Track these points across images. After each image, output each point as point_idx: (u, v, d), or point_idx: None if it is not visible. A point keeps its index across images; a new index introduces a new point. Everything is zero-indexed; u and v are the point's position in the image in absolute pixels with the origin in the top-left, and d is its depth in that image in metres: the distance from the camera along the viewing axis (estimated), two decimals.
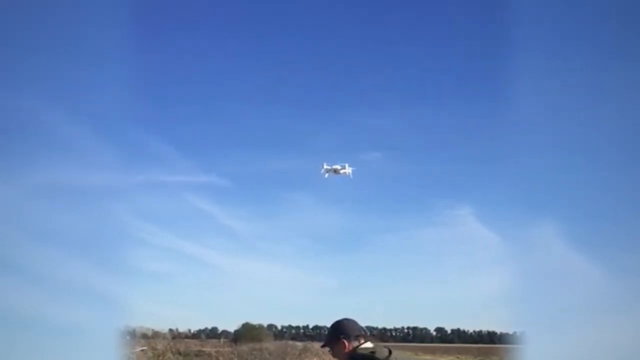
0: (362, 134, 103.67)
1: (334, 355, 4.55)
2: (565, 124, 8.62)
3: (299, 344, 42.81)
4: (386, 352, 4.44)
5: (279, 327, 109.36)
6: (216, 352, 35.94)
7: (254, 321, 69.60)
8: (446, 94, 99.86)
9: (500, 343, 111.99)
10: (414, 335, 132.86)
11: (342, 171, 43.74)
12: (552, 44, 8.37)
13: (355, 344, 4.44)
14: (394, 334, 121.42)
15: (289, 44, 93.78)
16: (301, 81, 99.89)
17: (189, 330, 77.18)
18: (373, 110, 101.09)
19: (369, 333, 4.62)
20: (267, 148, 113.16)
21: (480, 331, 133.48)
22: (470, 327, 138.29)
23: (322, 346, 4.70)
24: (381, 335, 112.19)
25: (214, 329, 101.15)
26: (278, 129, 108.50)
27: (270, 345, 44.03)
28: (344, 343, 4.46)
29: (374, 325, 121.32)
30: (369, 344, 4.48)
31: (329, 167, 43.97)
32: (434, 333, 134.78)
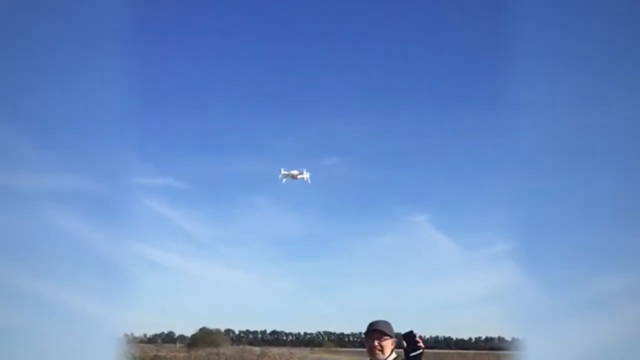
0: (322, 139, 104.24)
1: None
2: (535, 127, 8.81)
3: (257, 349, 42.73)
4: None
5: (237, 332, 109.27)
6: (172, 356, 35.64)
7: (211, 326, 69.25)
8: (405, 100, 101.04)
9: (456, 348, 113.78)
10: None
11: (299, 176, 44.09)
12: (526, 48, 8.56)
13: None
14: (351, 339, 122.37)
15: (250, 45, 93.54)
16: (262, 83, 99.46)
17: (145, 335, 76.35)
18: (333, 115, 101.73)
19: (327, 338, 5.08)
20: (226, 150, 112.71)
21: (437, 337, 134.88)
22: (427, 332, 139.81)
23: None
24: (339, 340, 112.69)
25: (171, 334, 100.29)
26: (237, 131, 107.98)
27: (228, 350, 43.81)
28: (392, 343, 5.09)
29: (332, 330, 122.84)
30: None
31: (286, 173, 44.29)
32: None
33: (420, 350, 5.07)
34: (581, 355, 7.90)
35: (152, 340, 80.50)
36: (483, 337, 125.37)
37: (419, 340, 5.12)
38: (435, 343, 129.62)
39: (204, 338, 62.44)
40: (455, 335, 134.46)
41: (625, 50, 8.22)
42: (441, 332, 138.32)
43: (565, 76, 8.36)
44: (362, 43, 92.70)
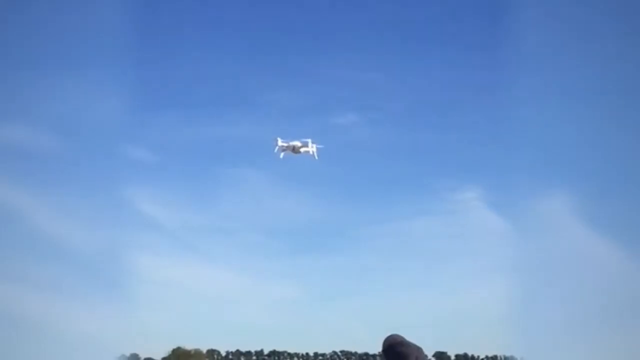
0: (333, 90, 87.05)
1: None
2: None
3: None
4: None
5: (223, 354, 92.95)
6: None
7: (188, 345, 61.93)
8: (444, 40, 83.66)
9: None
10: None
11: (303, 149, 35.22)
12: None
13: None
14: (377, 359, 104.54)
15: None
16: (248, 17, 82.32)
17: None
18: (347, 57, 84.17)
19: None
20: (206, 109, 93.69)
21: (496, 357, 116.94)
22: (480, 351, 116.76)
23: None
24: None
25: (134, 357, 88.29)
26: (221, 81, 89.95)
27: None
28: None
29: (351, 349, 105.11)
30: None
31: (284, 144, 35.02)
32: (433, 359, 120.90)
33: None
34: None
35: None
36: None
37: None
38: None
39: None
40: (507, 354, 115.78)
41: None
42: (500, 349, 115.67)
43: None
44: None
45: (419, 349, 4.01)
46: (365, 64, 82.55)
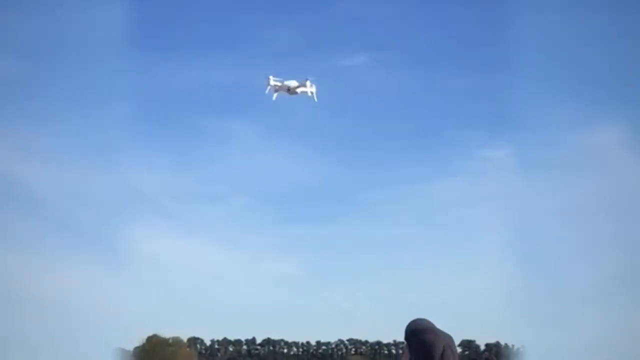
0: (337, 27, 77.41)
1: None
2: None
3: None
4: None
5: (207, 343, 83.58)
6: None
7: (165, 333, 54.25)
8: None
9: None
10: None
11: (299, 89, 31.87)
12: None
13: None
14: (392, 350, 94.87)
15: None
16: None
17: None
18: None
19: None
20: (187, 47, 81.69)
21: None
22: (515, 340, 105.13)
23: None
24: (374, 354, 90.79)
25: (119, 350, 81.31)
26: (204, 17, 77.91)
27: None
28: None
29: (362, 338, 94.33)
30: None
31: (278, 83, 31.36)
32: (460, 349, 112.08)
33: None
34: None
35: None
36: None
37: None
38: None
39: (156, 352, 51.44)
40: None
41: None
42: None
43: None
44: None
45: (449, 338, 3.48)
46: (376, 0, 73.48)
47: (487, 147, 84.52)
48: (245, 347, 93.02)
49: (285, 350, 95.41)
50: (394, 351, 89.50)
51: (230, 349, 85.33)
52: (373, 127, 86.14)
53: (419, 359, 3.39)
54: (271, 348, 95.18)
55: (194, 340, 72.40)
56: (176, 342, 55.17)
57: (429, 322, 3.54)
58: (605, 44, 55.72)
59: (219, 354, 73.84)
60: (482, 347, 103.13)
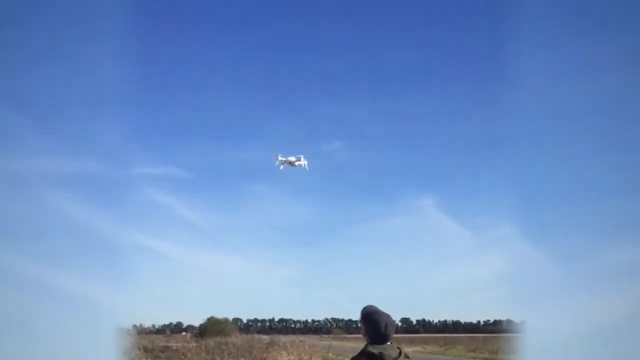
0: (323, 123, 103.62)
1: (361, 332, 4.97)
2: (536, 103, 8.60)
3: (266, 338, 42.41)
4: (395, 353, 4.68)
5: (245, 321, 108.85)
6: (182, 347, 35.54)
7: (219, 315, 68.95)
8: (408, 81, 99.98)
9: (465, 332, 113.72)
10: None
11: (297, 163, 43.06)
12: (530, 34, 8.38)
13: (373, 342, 4.75)
14: (359, 325, 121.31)
15: (245, 28, 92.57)
16: (259, 67, 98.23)
17: (153, 326, 76.11)
18: (335, 97, 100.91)
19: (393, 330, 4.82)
20: (226, 138, 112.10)
21: (445, 321, 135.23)
22: (435, 317, 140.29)
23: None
24: (347, 327, 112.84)
25: (179, 324, 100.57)
26: (237, 118, 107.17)
27: (237, 339, 43.49)
28: (366, 336, 4.83)
29: (340, 317, 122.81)
30: (382, 344, 4.72)
31: (283, 159, 43.33)
32: (399, 324, 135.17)
33: None
34: (589, 332, 7.73)
35: (160, 331, 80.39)
36: (492, 320, 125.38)
37: None
38: (444, 327, 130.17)
39: (213, 328, 62.32)
40: (464, 318, 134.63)
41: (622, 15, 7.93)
42: (450, 316, 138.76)
43: (562, 48, 8.10)
44: (361, 23, 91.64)
45: (388, 316, 4.69)
46: (349, 103, 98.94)
47: (418, 198, 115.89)
48: (268, 323, 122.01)
49: (293, 325, 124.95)
50: (358, 325, 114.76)
51: (259, 324, 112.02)
52: (347, 186, 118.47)
53: (371, 330, 4.65)
54: (284, 324, 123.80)
55: (236, 320, 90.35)
56: (225, 320, 67.77)
57: (375, 307, 4.74)
58: None
59: (252, 328, 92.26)
60: (414, 322, 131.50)
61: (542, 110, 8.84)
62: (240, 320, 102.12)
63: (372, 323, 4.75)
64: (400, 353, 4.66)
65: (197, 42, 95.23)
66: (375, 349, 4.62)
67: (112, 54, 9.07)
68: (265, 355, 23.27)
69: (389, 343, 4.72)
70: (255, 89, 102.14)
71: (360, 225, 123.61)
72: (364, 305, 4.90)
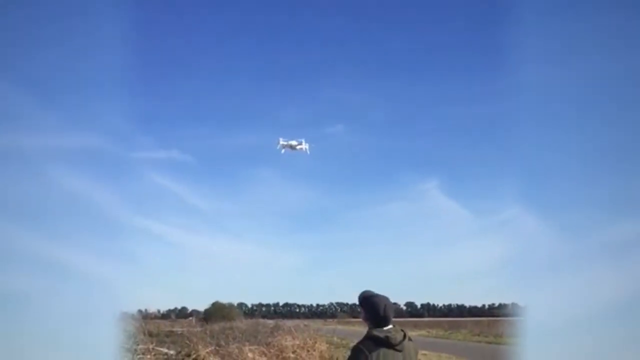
0: (326, 107, 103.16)
1: (362, 318, 4.79)
2: (537, 98, 8.52)
3: (270, 322, 42.73)
4: (400, 337, 4.56)
5: (249, 306, 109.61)
6: (187, 331, 35.67)
7: (224, 300, 70.35)
8: (411, 65, 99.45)
9: (469, 316, 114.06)
10: None
11: (298, 147, 43.46)
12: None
13: (375, 325, 4.61)
14: (359, 308, 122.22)
15: (249, 15, 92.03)
16: (263, 53, 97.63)
17: (158, 311, 76.72)
18: (337, 82, 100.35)
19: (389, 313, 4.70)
20: (229, 122, 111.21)
21: (450, 305, 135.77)
22: (439, 301, 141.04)
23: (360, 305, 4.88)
24: (352, 311, 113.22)
25: (184, 309, 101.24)
26: (240, 102, 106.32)
27: (241, 323, 43.83)
28: (367, 321, 4.69)
29: (344, 301, 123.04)
30: (389, 326, 4.61)
31: (285, 143, 43.68)
32: (404, 308, 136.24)
33: None
34: (596, 313, 7.66)
35: (165, 316, 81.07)
36: (496, 304, 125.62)
37: None
38: (448, 311, 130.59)
39: (218, 312, 63.89)
40: (468, 302, 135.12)
41: None
42: (454, 299, 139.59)
43: (564, 26, 7.97)
44: (362, 9, 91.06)
45: (386, 298, 4.63)
46: (351, 88, 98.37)
47: (421, 182, 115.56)
48: (272, 308, 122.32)
49: (297, 310, 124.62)
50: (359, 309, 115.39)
51: (263, 309, 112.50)
52: (348, 171, 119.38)
53: (370, 313, 4.57)
54: (288, 309, 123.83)
55: (240, 304, 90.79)
56: (230, 305, 69.24)
57: (371, 291, 4.70)
58: None
59: (256, 313, 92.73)
60: (419, 306, 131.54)
61: (545, 90, 8.73)
62: (245, 305, 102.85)
63: (371, 306, 4.65)
64: (404, 336, 4.57)
65: (201, 28, 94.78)
66: (380, 333, 4.52)
67: (118, 38, 9.02)
68: (270, 339, 23.26)
69: (392, 326, 4.62)
70: (258, 74, 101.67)
71: (363, 209, 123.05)
72: (378, 288, 4.83)
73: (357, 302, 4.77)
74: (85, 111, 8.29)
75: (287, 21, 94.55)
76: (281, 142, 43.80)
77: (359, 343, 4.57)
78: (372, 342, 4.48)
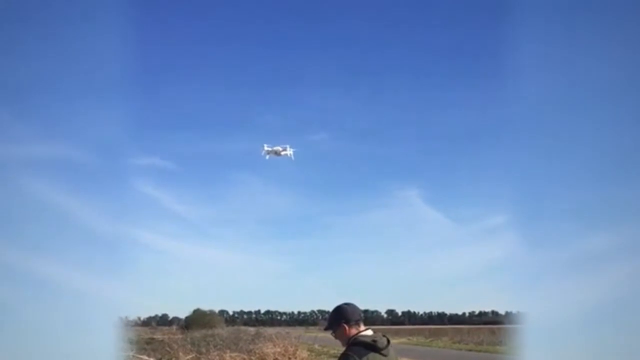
0: (309, 114, 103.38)
1: (336, 338, 4.67)
2: (521, 91, 8.63)
3: (252, 329, 42.73)
4: (385, 341, 4.55)
5: (231, 313, 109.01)
6: (168, 339, 35.49)
7: (205, 307, 69.63)
8: (393, 74, 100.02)
9: (450, 323, 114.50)
10: (366, 318, 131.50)
11: (283, 152, 43.65)
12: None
13: (354, 330, 4.57)
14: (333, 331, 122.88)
15: (231, 21, 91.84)
16: (245, 59, 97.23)
17: (139, 318, 76.11)
18: (320, 89, 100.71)
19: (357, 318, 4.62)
20: (211, 129, 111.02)
21: (431, 312, 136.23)
22: (420, 308, 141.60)
23: (325, 329, 4.82)
24: None
25: (164, 316, 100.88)
26: (222, 109, 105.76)
27: (223, 331, 43.87)
28: (345, 328, 4.59)
29: (326, 308, 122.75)
30: (369, 332, 4.60)
31: (269, 149, 43.76)
32: (385, 315, 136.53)
33: None
34: (577, 321, 7.78)
35: (146, 323, 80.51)
36: (477, 312, 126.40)
37: None
38: (429, 319, 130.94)
39: (199, 319, 63.07)
40: (449, 310, 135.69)
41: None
42: (435, 307, 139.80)
43: (552, 35, 8.11)
44: (348, 16, 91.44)
45: (350, 304, 4.68)
46: (334, 95, 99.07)
47: (402, 190, 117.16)
48: (254, 315, 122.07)
49: (279, 317, 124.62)
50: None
51: (245, 317, 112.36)
52: (331, 178, 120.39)
53: (344, 317, 4.57)
54: (270, 316, 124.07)
55: (222, 312, 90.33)
56: (211, 312, 68.72)
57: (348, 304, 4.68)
58: None
59: (238, 320, 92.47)
60: (400, 314, 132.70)
61: (525, 100, 8.83)
62: (226, 312, 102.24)
63: (340, 311, 4.63)
64: (388, 341, 4.56)
65: (184, 35, 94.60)
66: (367, 338, 4.50)
67: (99, 46, 8.98)
68: (251, 347, 23.26)
69: (372, 332, 4.59)
70: (240, 80, 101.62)
71: (345, 216, 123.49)
72: (351, 297, 4.89)
73: (328, 325, 4.71)
74: (65, 119, 8.26)
75: (270, 28, 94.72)
76: (266, 148, 43.94)
77: (347, 350, 4.59)
78: (361, 347, 4.46)
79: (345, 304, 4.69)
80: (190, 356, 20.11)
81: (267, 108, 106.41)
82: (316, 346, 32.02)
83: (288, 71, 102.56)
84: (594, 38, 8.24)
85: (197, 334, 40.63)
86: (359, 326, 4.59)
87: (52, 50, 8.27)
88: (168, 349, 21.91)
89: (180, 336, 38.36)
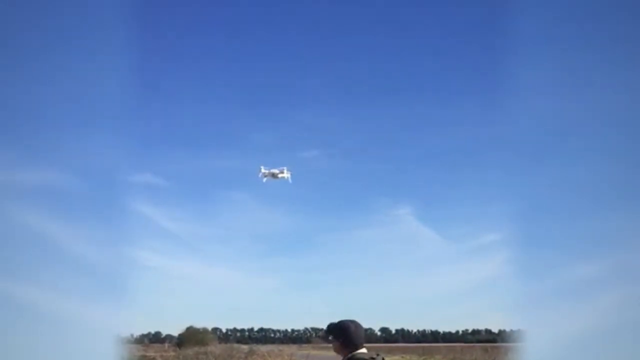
0: (300, 132, 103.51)
1: (334, 350, 4.75)
2: (517, 115, 8.77)
3: (245, 347, 42.51)
4: (380, 359, 4.66)
5: (224, 330, 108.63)
6: (160, 356, 35.42)
7: (198, 324, 68.61)
8: (386, 92, 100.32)
9: (443, 341, 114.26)
10: None
11: (280, 175, 43.43)
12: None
13: (351, 348, 4.64)
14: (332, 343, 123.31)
15: (223, 38, 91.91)
16: (237, 76, 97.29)
17: (132, 335, 75.61)
18: (312, 107, 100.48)
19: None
20: (203, 145, 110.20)
21: (424, 330, 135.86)
22: (413, 326, 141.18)
23: (323, 337, 4.97)
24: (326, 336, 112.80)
25: (157, 334, 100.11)
26: (214, 125, 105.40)
27: (216, 348, 43.55)
28: (342, 346, 4.68)
29: (319, 326, 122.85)
30: (363, 350, 4.66)
31: (267, 171, 43.48)
32: (379, 333, 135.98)
33: None
34: (570, 341, 7.94)
35: (139, 340, 79.96)
36: (470, 330, 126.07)
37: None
38: (422, 337, 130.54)
39: (192, 337, 62.29)
40: (442, 328, 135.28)
41: (618, 33, 8.14)
42: (428, 325, 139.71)
43: (548, 60, 8.34)
44: (340, 34, 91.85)
45: (353, 321, 4.69)
46: (326, 113, 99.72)
47: (395, 208, 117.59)
48: (247, 333, 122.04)
49: (272, 335, 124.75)
50: None
51: (238, 334, 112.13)
52: (323, 195, 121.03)
53: (345, 336, 4.63)
54: (263, 334, 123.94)
55: (215, 329, 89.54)
56: (204, 330, 66.96)
57: (334, 322, 4.76)
58: None
59: (231, 338, 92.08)
60: (393, 332, 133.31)
61: (521, 120, 9.02)
62: (220, 329, 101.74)
63: (343, 330, 4.70)
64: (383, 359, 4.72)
65: (176, 53, 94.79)
66: (364, 355, 4.61)
67: (90, 61, 9.09)
68: None
69: (367, 351, 4.68)
70: (232, 97, 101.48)
71: (338, 234, 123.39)
72: (344, 314, 4.90)
73: (326, 335, 4.82)
74: (52, 145, 8.32)
75: (261, 44, 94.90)
76: (263, 171, 43.41)
77: None
78: None
79: (353, 322, 4.74)
80: None
81: (259, 125, 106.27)
82: None
83: (280, 88, 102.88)
84: (586, 63, 8.44)
85: (190, 351, 40.41)
86: (358, 348, 4.65)
87: (38, 75, 8.38)
88: None
89: (172, 354, 38.28)
